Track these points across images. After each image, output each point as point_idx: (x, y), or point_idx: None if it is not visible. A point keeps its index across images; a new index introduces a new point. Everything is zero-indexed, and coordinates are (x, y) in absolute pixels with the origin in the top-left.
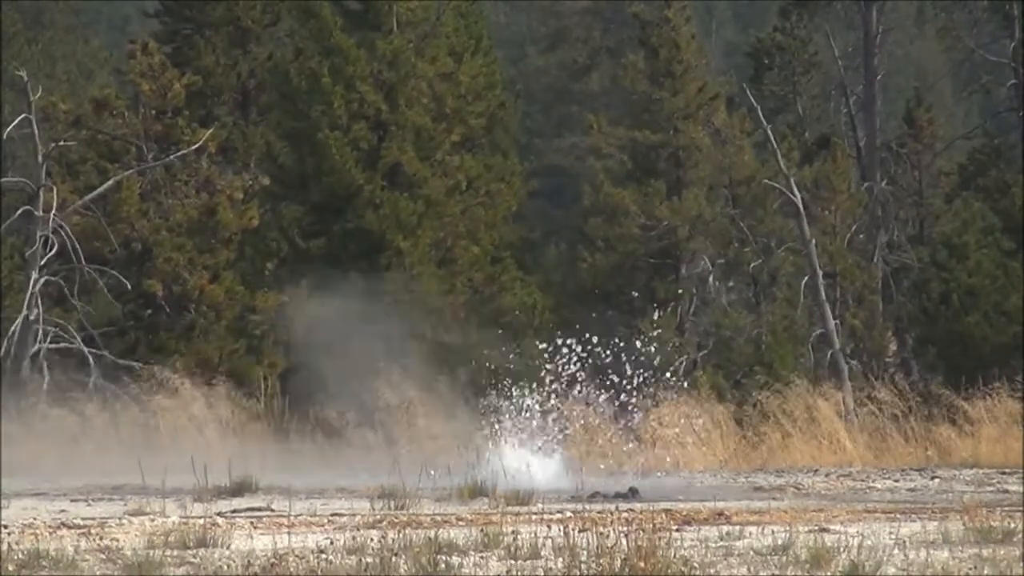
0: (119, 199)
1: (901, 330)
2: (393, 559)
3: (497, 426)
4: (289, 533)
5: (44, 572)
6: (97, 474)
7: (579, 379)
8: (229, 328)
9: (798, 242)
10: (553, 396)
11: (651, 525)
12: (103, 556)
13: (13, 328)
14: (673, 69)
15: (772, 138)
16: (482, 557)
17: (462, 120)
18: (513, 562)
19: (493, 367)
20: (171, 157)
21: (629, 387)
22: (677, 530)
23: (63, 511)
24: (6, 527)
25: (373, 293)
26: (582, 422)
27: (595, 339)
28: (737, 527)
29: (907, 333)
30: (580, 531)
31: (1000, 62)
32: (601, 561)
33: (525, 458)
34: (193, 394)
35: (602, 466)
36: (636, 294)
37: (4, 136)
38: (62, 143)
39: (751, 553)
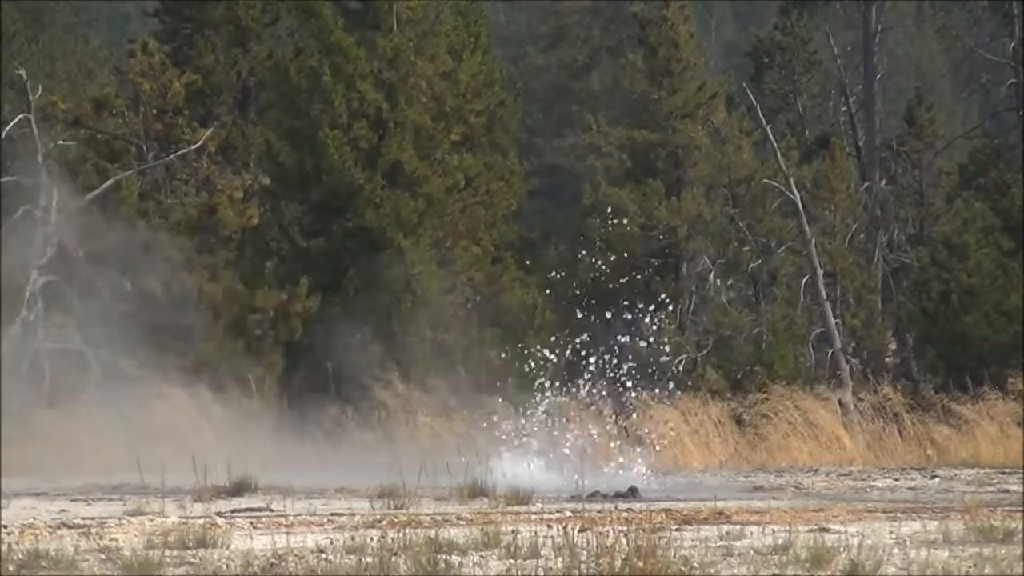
0: (119, 199)
1: (901, 330)
2: (393, 559)
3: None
4: (288, 533)
5: (44, 572)
6: (96, 474)
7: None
8: (228, 327)
9: (798, 241)
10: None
11: (651, 525)
12: (103, 556)
13: (13, 328)
14: (672, 68)
15: (771, 137)
16: (482, 556)
17: (462, 119)
18: (513, 561)
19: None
20: (171, 156)
21: (629, 386)
22: (677, 529)
23: (63, 511)
24: (6, 527)
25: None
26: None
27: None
28: (737, 526)
29: (907, 333)
30: (580, 531)
31: (1000, 61)
32: (601, 561)
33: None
34: (192, 393)
35: (603, 466)
36: (636, 293)
37: (4, 136)
38: (62, 143)
39: (751, 552)
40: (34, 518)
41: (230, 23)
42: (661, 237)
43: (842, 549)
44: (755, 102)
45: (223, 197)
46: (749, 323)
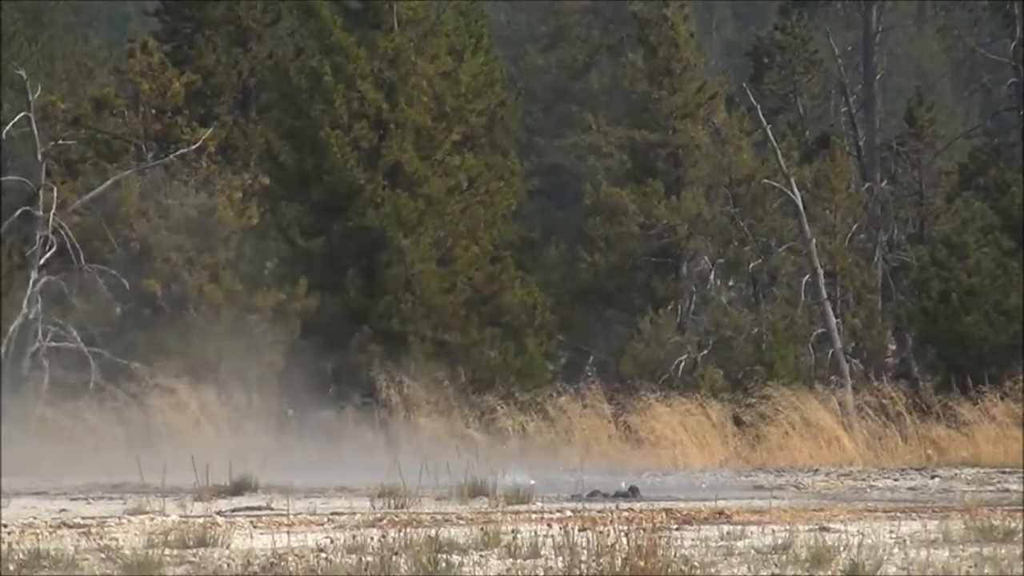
0: (118, 198)
1: (901, 329)
2: (393, 558)
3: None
4: (289, 532)
5: (44, 572)
6: (97, 473)
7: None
8: (228, 327)
9: (798, 241)
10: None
11: (651, 524)
12: (103, 555)
13: (13, 328)
14: (672, 68)
15: (772, 137)
16: (482, 556)
17: (462, 119)
18: (513, 561)
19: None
20: (171, 156)
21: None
22: (677, 529)
23: (63, 510)
24: (6, 527)
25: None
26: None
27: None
28: (737, 526)
29: (907, 332)
30: (580, 530)
31: (1000, 61)
32: (601, 560)
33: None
34: (192, 393)
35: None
36: (636, 293)
37: (4, 135)
38: (61, 142)
39: (752, 552)
40: (34, 517)
41: (230, 23)
42: (661, 237)
43: (842, 549)
44: (755, 102)
45: (223, 197)
46: (749, 323)
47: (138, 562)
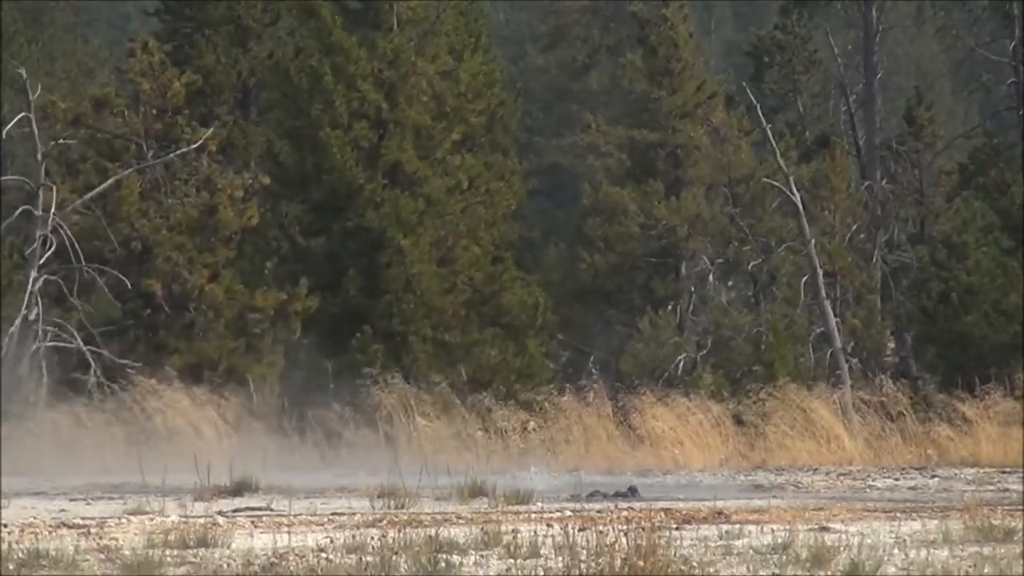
0: (119, 198)
1: (900, 329)
2: (393, 558)
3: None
4: (289, 532)
5: (44, 572)
6: (97, 473)
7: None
8: (228, 327)
9: (797, 241)
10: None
11: (650, 524)
12: (103, 555)
13: (13, 328)
14: (671, 68)
15: (771, 137)
16: (482, 556)
17: (462, 119)
18: (513, 561)
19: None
20: (171, 156)
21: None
22: (676, 529)
23: (63, 510)
24: (6, 527)
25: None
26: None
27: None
28: (737, 526)
29: (906, 332)
30: (580, 530)
31: (1000, 61)
32: (601, 560)
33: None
34: (193, 393)
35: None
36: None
37: (4, 135)
38: (62, 142)
39: (751, 552)
40: (34, 517)
41: (230, 23)
42: (661, 237)
43: (842, 548)
44: (755, 101)
45: (223, 197)
46: (749, 323)
47: (138, 562)
